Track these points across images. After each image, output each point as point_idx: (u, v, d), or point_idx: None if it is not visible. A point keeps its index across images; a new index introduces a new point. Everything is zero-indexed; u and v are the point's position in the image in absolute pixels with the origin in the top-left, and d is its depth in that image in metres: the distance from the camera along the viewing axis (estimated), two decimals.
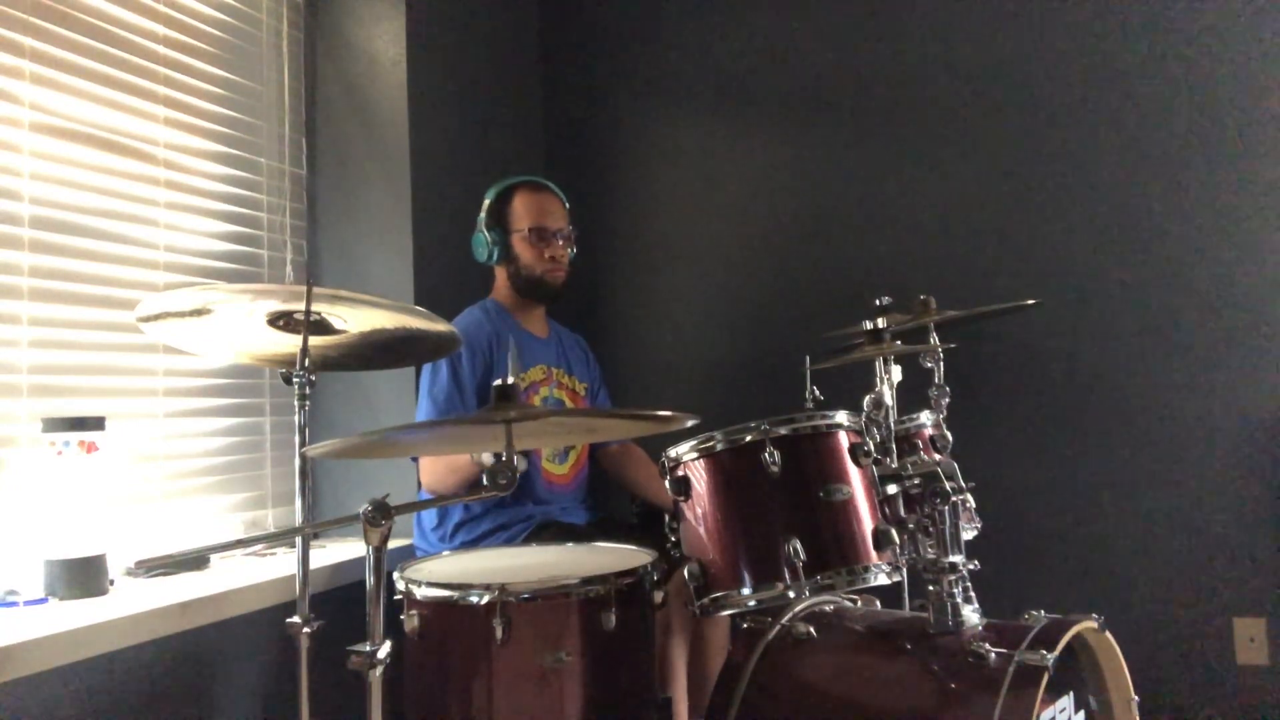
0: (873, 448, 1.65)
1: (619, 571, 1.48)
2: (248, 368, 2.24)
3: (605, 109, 3.12)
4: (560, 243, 2.29)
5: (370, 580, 1.17)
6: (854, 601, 1.77)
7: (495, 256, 2.29)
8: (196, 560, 1.94)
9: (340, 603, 1.96)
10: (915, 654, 1.49)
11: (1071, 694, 1.53)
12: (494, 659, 1.41)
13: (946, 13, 2.75)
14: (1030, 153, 2.66)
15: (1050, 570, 2.59)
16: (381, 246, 2.46)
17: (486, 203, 2.31)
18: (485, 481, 1.19)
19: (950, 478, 1.56)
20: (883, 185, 2.80)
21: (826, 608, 1.69)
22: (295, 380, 1.55)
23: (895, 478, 1.63)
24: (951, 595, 1.52)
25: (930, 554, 1.56)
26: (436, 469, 2.07)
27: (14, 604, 1.58)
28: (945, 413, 2.00)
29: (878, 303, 1.94)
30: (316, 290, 1.47)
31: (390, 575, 1.44)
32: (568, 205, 2.37)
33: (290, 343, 1.57)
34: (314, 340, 1.56)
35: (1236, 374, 2.47)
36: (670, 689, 1.92)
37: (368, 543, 1.17)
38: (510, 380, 1.22)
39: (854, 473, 1.61)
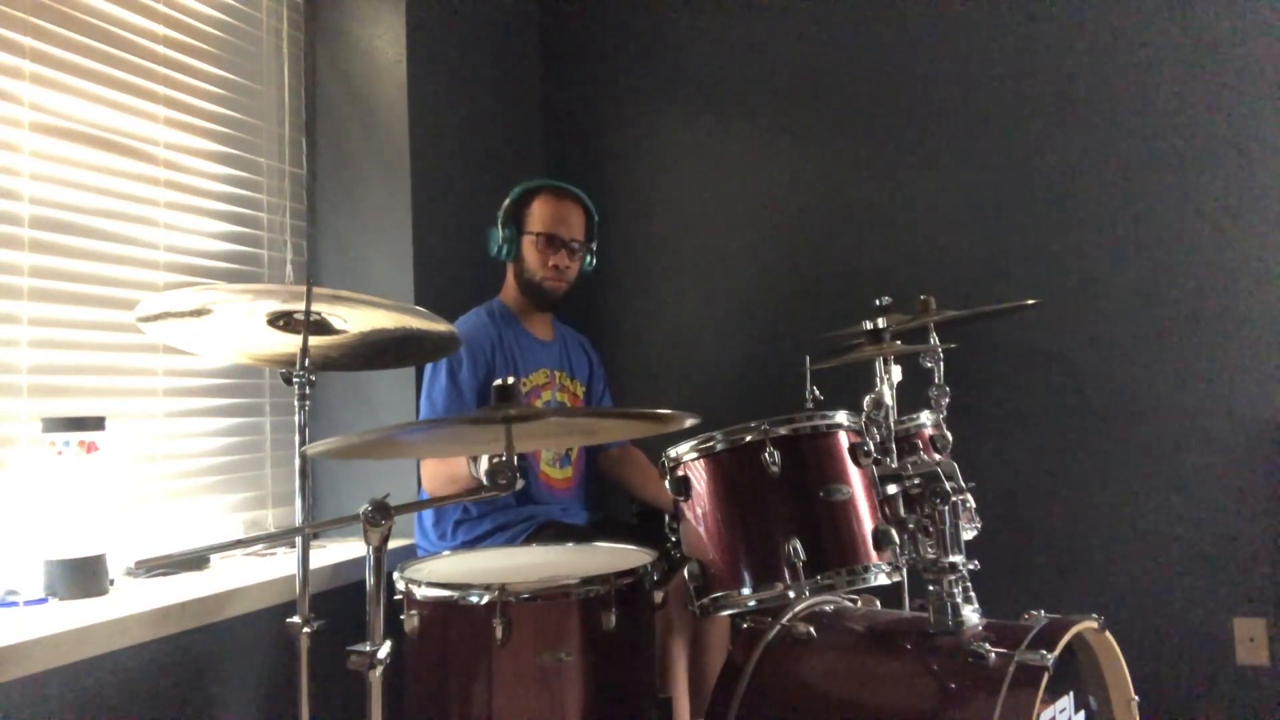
0: (873, 448, 1.65)
1: (619, 571, 1.48)
2: (248, 368, 2.24)
3: (605, 109, 3.13)
4: (566, 253, 2.28)
5: (370, 580, 1.17)
6: (854, 601, 1.77)
7: (505, 254, 2.29)
8: (196, 560, 1.95)
9: (340, 603, 1.96)
10: (915, 654, 1.50)
11: (1071, 694, 1.53)
12: (494, 659, 1.41)
13: (947, 13, 2.75)
14: (1030, 153, 2.66)
15: (1050, 570, 2.59)
16: (381, 246, 2.46)
17: (508, 200, 2.30)
18: (485, 481, 1.19)
19: (950, 478, 1.56)
20: (883, 185, 2.80)
21: (826, 608, 1.69)
22: (295, 380, 1.55)
23: (895, 478, 1.63)
24: (951, 595, 1.52)
25: (930, 554, 1.56)
26: (439, 478, 2.07)
27: (14, 604, 1.58)
28: (945, 413, 2.00)
29: (878, 303, 1.94)
30: (316, 290, 1.47)
31: (390, 575, 1.45)
32: (595, 217, 2.36)
33: (290, 343, 1.57)
34: (314, 340, 1.56)
35: (1237, 374, 2.47)
36: (670, 689, 1.92)
37: (368, 543, 1.17)
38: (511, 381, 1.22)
39: (854, 473, 1.61)
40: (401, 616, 1.48)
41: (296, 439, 1.57)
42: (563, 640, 1.43)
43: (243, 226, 2.28)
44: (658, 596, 1.60)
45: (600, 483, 2.45)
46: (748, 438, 1.59)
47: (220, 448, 2.19)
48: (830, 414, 1.63)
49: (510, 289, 2.35)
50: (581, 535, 2.10)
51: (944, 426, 1.99)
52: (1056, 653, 1.36)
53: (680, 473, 1.66)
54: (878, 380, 1.79)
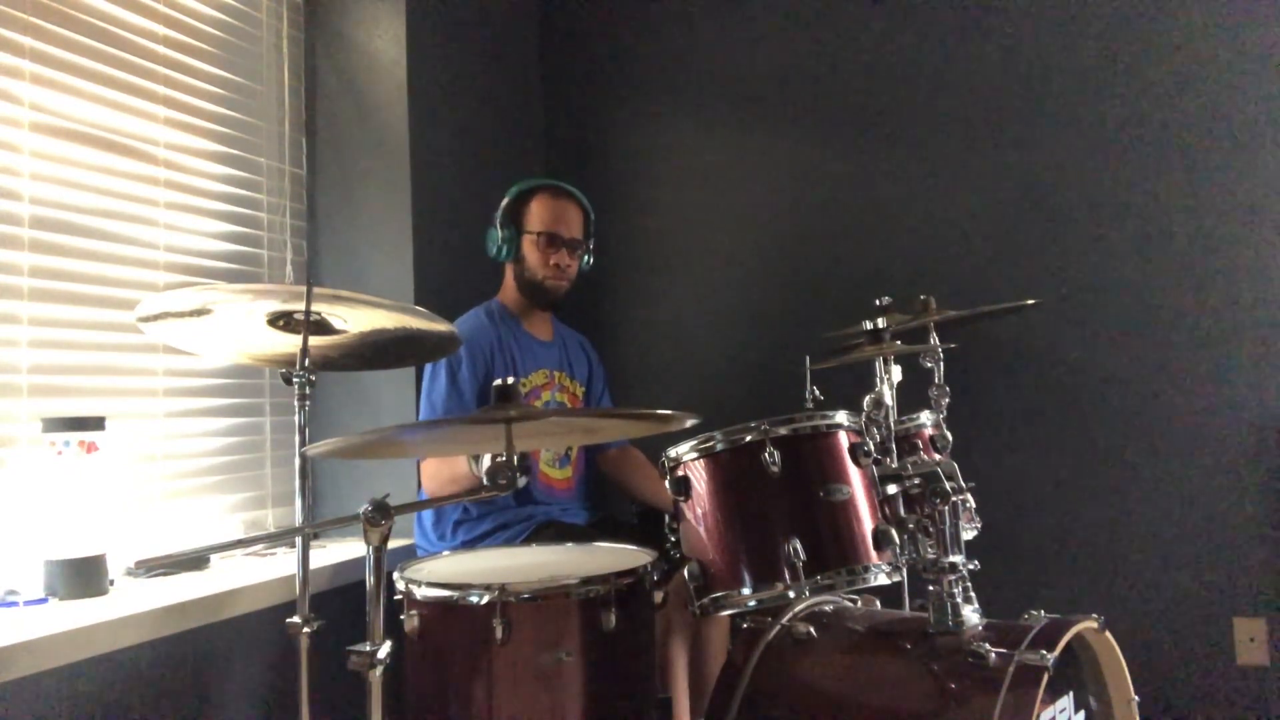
0: (873, 448, 1.65)
1: (619, 571, 1.48)
2: (248, 368, 2.24)
3: (606, 109, 3.12)
4: (567, 252, 2.28)
5: (370, 580, 1.17)
6: (854, 601, 1.77)
7: (505, 254, 2.29)
8: (196, 560, 1.95)
9: (340, 603, 1.96)
10: (915, 654, 1.49)
11: (1071, 694, 1.53)
12: (494, 659, 1.41)
13: (947, 14, 2.75)
14: (1030, 153, 2.66)
15: (1050, 570, 2.59)
16: (381, 246, 2.46)
17: (506, 200, 2.30)
18: (485, 481, 1.19)
19: (950, 478, 1.56)
20: (883, 186, 2.80)
21: (826, 608, 1.69)
22: (295, 380, 1.55)
23: (895, 478, 1.63)
24: (951, 595, 1.52)
25: (930, 554, 1.56)
26: (440, 477, 2.06)
27: (14, 604, 1.58)
28: (945, 413, 2.00)
29: (878, 303, 1.94)
30: (316, 290, 1.47)
31: (390, 575, 1.45)
32: (592, 216, 2.36)
33: (290, 343, 1.57)
34: (314, 340, 1.56)
35: (1237, 374, 2.47)
36: (670, 689, 1.92)
37: (368, 543, 1.17)
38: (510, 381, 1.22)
39: (854, 473, 1.61)
40: (401, 616, 1.48)
41: (296, 439, 1.57)
42: (563, 640, 1.43)
43: (243, 226, 2.28)
44: (658, 596, 1.60)
45: (600, 483, 2.45)
46: (748, 438, 1.59)
47: (220, 448, 2.19)
48: (830, 414, 1.63)
49: (509, 289, 2.34)
50: (581, 535, 2.10)
51: (944, 426, 1.99)
52: (1056, 653, 1.36)
53: (680, 473, 1.66)
54: (878, 380, 1.79)
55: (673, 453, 1.67)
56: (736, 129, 2.97)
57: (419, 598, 1.48)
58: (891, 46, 2.81)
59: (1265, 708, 2.40)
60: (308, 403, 1.57)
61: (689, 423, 1.32)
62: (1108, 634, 1.54)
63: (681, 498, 1.65)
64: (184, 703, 1.72)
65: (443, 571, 1.60)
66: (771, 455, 1.57)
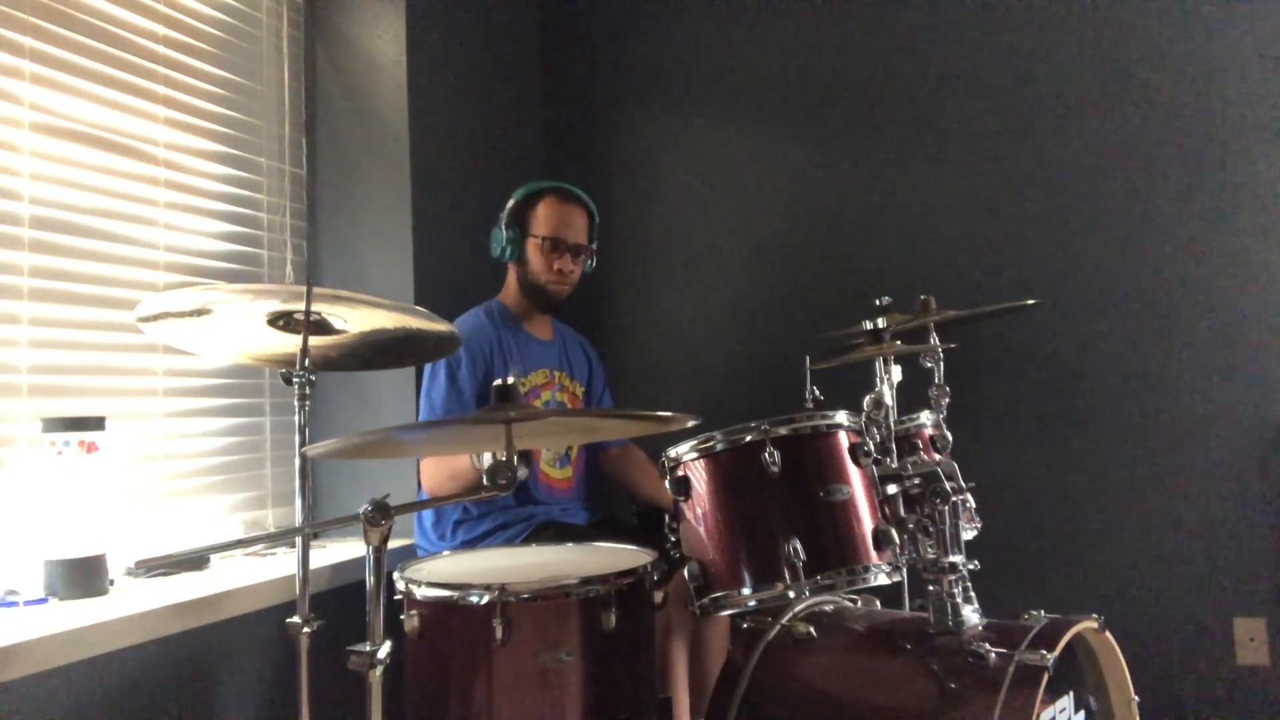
0: (873, 448, 1.65)
1: (619, 571, 1.48)
2: (248, 368, 2.24)
3: (605, 109, 3.12)
4: (570, 257, 2.28)
5: (370, 580, 1.17)
6: (854, 601, 1.77)
7: (509, 255, 2.29)
8: (196, 560, 1.95)
9: (340, 603, 1.96)
10: (915, 654, 1.50)
11: (1071, 694, 1.53)
12: (494, 659, 1.41)
13: (947, 13, 2.75)
14: (1031, 153, 2.66)
15: (1050, 570, 2.59)
16: (381, 246, 2.46)
17: (512, 201, 2.29)
18: (485, 481, 1.19)
19: (950, 478, 1.56)
20: (883, 186, 2.80)
21: (826, 608, 1.69)
22: (295, 380, 1.55)
23: (895, 478, 1.63)
24: (951, 595, 1.52)
25: (930, 554, 1.56)
26: (438, 475, 2.06)
27: (14, 604, 1.58)
28: (945, 413, 2.00)
29: (878, 303, 1.94)
30: (316, 290, 1.47)
31: (390, 575, 1.44)
32: (597, 220, 2.36)
33: (290, 343, 1.58)
34: (314, 340, 1.56)
35: (1237, 373, 2.47)
36: (670, 689, 1.92)
37: (368, 543, 1.17)
38: (511, 381, 1.22)
39: (854, 473, 1.61)
40: (401, 616, 1.48)
41: (296, 439, 1.57)
42: (563, 640, 1.43)
43: (243, 226, 2.28)
44: (658, 596, 1.60)
45: (600, 483, 2.45)
46: (748, 438, 1.59)
47: (220, 448, 2.19)
48: (830, 414, 1.63)
49: (511, 289, 2.34)
50: (581, 535, 2.10)
51: (944, 426, 1.99)
52: (1056, 653, 1.36)
53: (680, 473, 1.66)
54: (878, 380, 1.79)
55: (673, 453, 1.67)
56: (737, 129, 2.97)
57: (419, 598, 1.48)
58: (892, 47, 2.81)
59: (1265, 708, 2.40)
60: (308, 403, 1.57)
61: (689, 423, 1.32)
62: (1108, 634, 1.54)
63: (681, 498, 1.65)
64: (184, 703, 1.72)
65: (443, 571, 1.60)
66: (771, 455, 1.57)
